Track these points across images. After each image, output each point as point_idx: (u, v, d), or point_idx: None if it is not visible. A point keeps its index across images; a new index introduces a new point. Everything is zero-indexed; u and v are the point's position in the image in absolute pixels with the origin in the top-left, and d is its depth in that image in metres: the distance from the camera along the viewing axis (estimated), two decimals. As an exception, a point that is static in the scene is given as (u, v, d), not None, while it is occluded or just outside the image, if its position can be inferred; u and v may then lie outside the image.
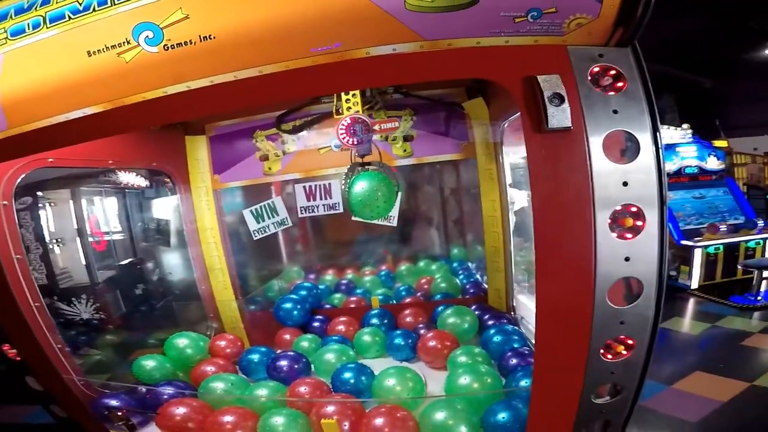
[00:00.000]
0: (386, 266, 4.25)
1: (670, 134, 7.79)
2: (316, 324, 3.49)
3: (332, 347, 2.94)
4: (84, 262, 3.27)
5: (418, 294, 3.78)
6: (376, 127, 2.66)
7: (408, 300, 3.70)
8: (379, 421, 2.07)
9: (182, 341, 3.06)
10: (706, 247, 6.84)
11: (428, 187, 4.08)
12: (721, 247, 6.89)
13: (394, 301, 3.72)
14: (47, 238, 3.03)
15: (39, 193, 2.99)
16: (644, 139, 1.43)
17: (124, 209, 3.67)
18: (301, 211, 3.43)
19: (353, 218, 3.12)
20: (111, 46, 1.47)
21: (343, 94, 2.65)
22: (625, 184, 1.44)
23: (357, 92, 2.64)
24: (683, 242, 6.85)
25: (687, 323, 5.90)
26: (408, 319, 3.33)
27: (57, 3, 1.51)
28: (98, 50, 1.49)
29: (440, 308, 3.26)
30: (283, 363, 2.82)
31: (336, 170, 3.33)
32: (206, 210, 3.52)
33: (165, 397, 2.54)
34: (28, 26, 1.54)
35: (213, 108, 1.92)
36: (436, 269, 4.09)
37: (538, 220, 1.48)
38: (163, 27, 1.42)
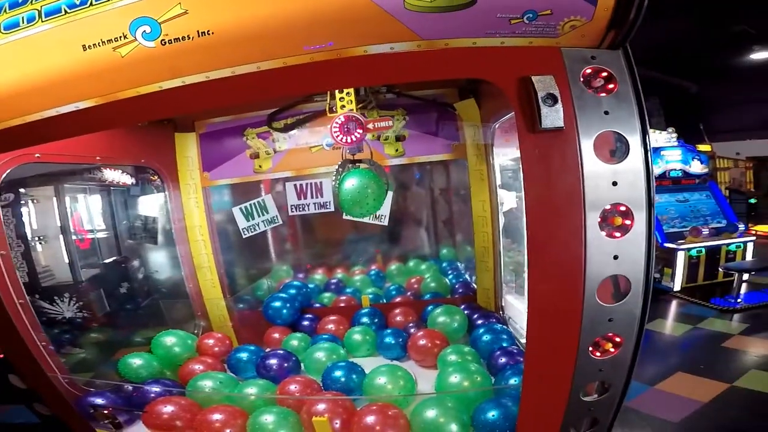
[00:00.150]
0: (376, 266, 4.26)
1: (655, 138, 7.90)
2: (305, 323, 3.48)
3: (322, 346, 2.94)
4: (67, 260, 3.22)
5: (408, 293, 3.80)
6: (370, 126, 2.67)
7: (398, 299, 3.71)
8: (370, 419, 2.08)
9: (170, 339, 3.03)
10: (689, 250, 6.97)
11: (418, 187, 4.10)
12: (704, 250, 7.02)
13: (384, 300, 3.73)
14: (29, 236, 2.99)
15: (21, 190, 2.95)
16: (634, 140, 1.46)
17: (109, 206, 3.63)
18: (292, 209, 3.44)
19: (344, 217, 3.14)
20: (107, 41, 1.46)
21: (337, 92, 2.66)
22: (614, 183, 1.48)
23: (351, 91, 2.65)
24: (667, 245, 6.97)
25: (669, 325, 6.00)
26: (398, 318, 3.35)
27: (55, -4, 1.50)
28: (93, 44, 1.48)
29: (430, 307, 3.29)
30: (273, 361, 2.81)
31: (327, 169, 3.33)
32: (195, 207, 3.49)
33: (152, 395, 2.52)
34: (22, 20, 1.51)
35: (208, 103, 1.91)
36: (425, 269, 4.11)
37: (530, 217, 1.51)
38: (162, 22, 1.41)
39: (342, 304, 3.71)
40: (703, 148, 9.51)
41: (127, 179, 3.48)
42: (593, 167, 1.46)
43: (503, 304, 3.36)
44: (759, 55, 10.88)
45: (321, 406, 2.18)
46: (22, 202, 2.97)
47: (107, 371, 3.00)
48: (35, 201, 3.13)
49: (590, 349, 1.63)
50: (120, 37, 1.45)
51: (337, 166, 2.70)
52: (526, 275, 2.91)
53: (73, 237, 3.28)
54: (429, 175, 4.08)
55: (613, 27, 1.38)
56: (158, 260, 3.73)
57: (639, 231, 1.50)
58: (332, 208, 3.41)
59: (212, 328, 3.57)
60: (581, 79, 1.45)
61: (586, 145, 1.45)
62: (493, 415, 2.06)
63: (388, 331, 3.10)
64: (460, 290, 3.68)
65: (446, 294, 3.68)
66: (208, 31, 1.40)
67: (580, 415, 1.79)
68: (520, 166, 2.75)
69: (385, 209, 3.12)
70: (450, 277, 3.94)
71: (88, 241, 3.50)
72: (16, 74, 1.60)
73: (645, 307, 1.59)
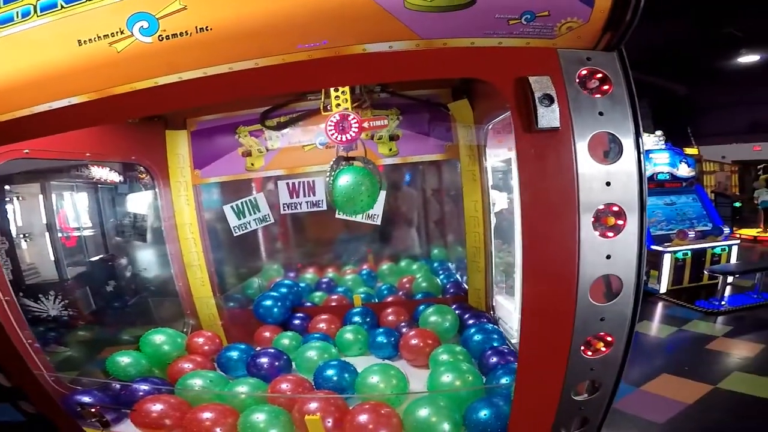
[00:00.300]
0: (368, 265, 4.26)
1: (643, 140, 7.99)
2: (296, 322, 3.47)
3: (314, 344, 2.93)
4: (53, 258, 3.18)
5: (400, 293, 3.81)
6: (365, 125, 2.67)
7: (390, 299, 3.72)
8: (363, 417, 2.08)
9: (158, 338, 3.00)
10: (675, 252, 7.08)
11: (411, 187, 4.11)
12: (689, 252, 7.14)
13: (376, 300, 3.73)
14: (14, 233, 2.95)
15: (6, 187, 2.91)
16: (627, 141, 1.48)
17: (96, 204, 3.59)
18: (284, 207, 3.43)
19: (336, 216, 3.14)
20: (103, 36, 1.45)
21: (332, 90, 2.66)
22: (608, 184, 1.50)
23: (347, 89, 2.65)
24: (653, 247, 7.06)
25: (655, 326, 6.08)
26: (390, 318, 3.35)
27: (50, -8, 1.49)
28: (89, 39, 1.46)
29: (422, 307, 3.30)
30: (264, 360, 2.79)
31: (320, 167, 3.32)
32: (185, 205, 3.46)
33: (140, 393, 2.49)
34: (17, 14, 1.50)
35: (205, 99, 1.90)
36: (417, 269, 4.12)
37: (525, 216, 1.53)
38: (159, 17, 1.40)
39: (333, 304, 3.70)
40: (691, 151, 9.64)
41: (115, 176, 3.44)
42: (587, 167, 1.47)
43: (494, 305, 3.38)
44: (746, 59, 11.06)
45: (313, 405, 2.17)
46: (7, 198, 2.93)
47: (93, 370, 2.96)
48: (21, 198, 3.09)
49: (582, 348, 1.64)
50: (116, 32, 1.44)
51: (331, 163, 2.70)
52: (516, 276, 2.94)
53: (60, 234, 3.24)
54: (421, 175, 4.09)
55: (609, 29, 1.40)
56: (147, 258, 3.70)
57: (631, 231, 1.52)
58: (324, 207, 3.40)
59: (201, 326, 3.54)
60: (577, 80, 1.46)
61: (581, 146, 1.46)
62: (484, 415, 2.07)
63: (380, 330, 3.11)
64: (452, 290, 3.70)
65: (437, 294, 3.69)
66: (207, 27, 1.39)
67: (571, 414, 1.80)
68: (512, 167, 2.82)
69: (378, 208, 3.13)
70: (441, 277, 3.95)
71: (74, 239, 3.46)
72: (9, 69, 1.58)
73: (636, 307, 1.61)
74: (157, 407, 2.32)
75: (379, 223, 3.24)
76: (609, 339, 1.65)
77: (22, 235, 3.06)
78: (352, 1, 1.34)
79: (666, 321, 6.19)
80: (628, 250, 1.54)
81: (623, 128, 1.48)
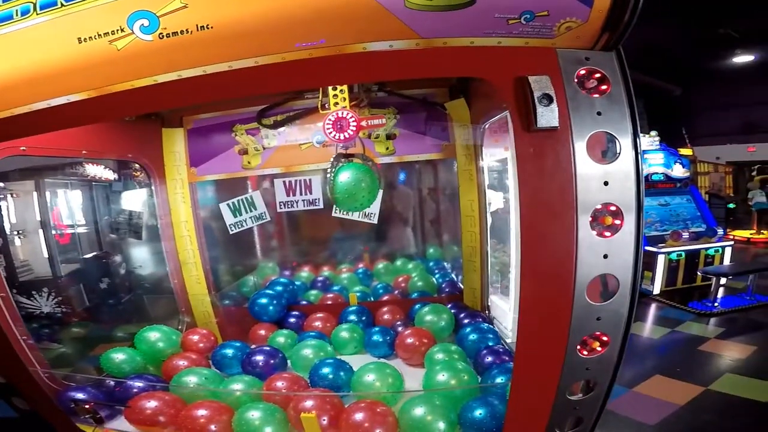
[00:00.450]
0: (363, 264, 4.26)
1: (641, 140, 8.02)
2: (292, 320, 3.46)
3: (310, 343, 2.93)
4: (46, 255, 3.17)
5: (396, 292, 3.81)
6: (363, 124, 2.67)
7: (385, 297, 3.72)
8: (359, 416, 2.08)
9: (153, 335, 3.00)
10: (669, 253, 7.11)
11: (407, 186, 4.11)
12: (683, 254, 7.18)
13: (372, 299, 3.73)
14: (8, 230, 2.93)
15: (1, 184, 2.89)
16: (625, 140, 1.49)
17: (91, 201, 3.58)
18: (280, 206, 3.42)
19: (333, 214, 3.14)
20: (103, 34, 1.45)
21: (330, 89, 2.65)
22: (605, 183, 1.50)
23: (345, 88, 2.65)
24: (647, 248, 7.09)
25: (648, 327, 6.12)
26: (386, 317, 3.35)
27: (50, -10, 1.48)
28: (89, 37, 1.46)
29: (417, 306, 3.31)
30: (259, 358, 2.79)
31: (317, 166, 3.32)
32: (181, 203, 3.44)
33: (135, 390, 2.48)
34: (16, 12, 1.50)
35: (205, 97, 1.90)
36: (412, 268, 4.12)
37: (523, 215, 1.53)
38: (160, 15, 1.40)
39: (329, 302, 3.70)
40: (685, 152, 9.67)
41: (110, 174, 3.43)
42: (585, 167, 1.48)
43: (489, 304, 3.39)
44: (741, 59, 11.10)
45: (309, 403, 2.17)
46: (1, 195, 2.91)
47: (85, 366, 2.95)
48: (15, 194, 3.07)
49: (578, 347, 1.65)
50: (117, 30, 1.44)
51: (331, 160, 2.70)
52: (511, 275, 2.95)
53: (54, 232, 3.23)
54: (418, 174, 4.10)
55: (608, 29, 1.41)
56: (142, 255, 3.69)
57: (628, 231, 1.53)
58: (321, 206, 3.40)
59: (196, 324, 3.52)
60: (575, 80, 1.47)
61: (579, 145, 1.47)
62: (479, 414, 2.08)
63: (376, 329, 3.11)
64: (447, 289, 3.71)
65: (433, 293, 3.69)
66: (207, 25, 1.39)
67: (566, 414, 1.80)
68: (508, 166, 2.83)
69: (375, 207, 3.13)
70: (437, 276, 3.96)
71: (68, 236, 3.44)
72: (8, 66, 1.57)
73: (632, 307, 1.62)
74: (152, 404, 2.33)
75: (375, 221, 3.25)
76: (605, 339, 1.66)
77: (15, 232, 3.04)
78: (352, 0, 1.34)
79: (659, 322, 6.22)
80: (625, 250, 1.55)
81: (621, 128, 1.49)
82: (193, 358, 2.87)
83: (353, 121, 2.57)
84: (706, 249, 7.31)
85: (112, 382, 2.61)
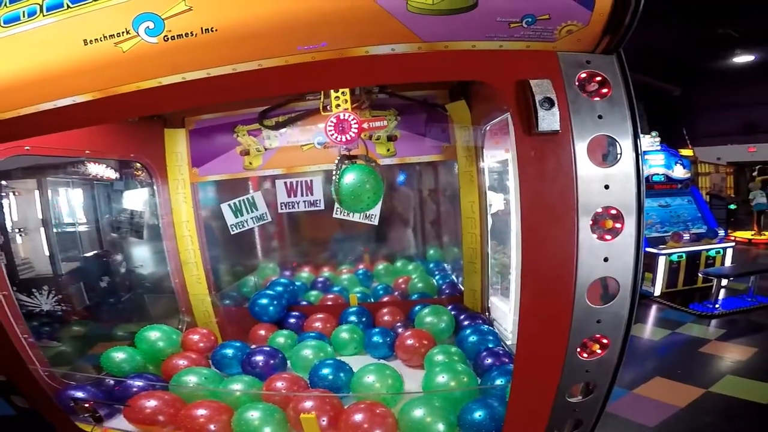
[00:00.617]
0: (364, 265, 4.27)
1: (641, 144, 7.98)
2: (292, 320, 3.47)
3: (310, 343, 2.94)
4: (47, 253, 3.18)
5: (396, 293, 3.81)
6: (365, 126, 2.68)
7: (385, 299, 3.72)
8: (358, 417, 2.09)
9: (154, 334, 3.01)
10: (670, 255, 7.09)
11: (408, 188, 4.11)
12: (684, 255, 7.16)
13: (372, 300, 3.74)
14: (9, 228, 2.94)
15: (3, 182, 2.90)
16: (626, 144, 1.49)
17: (92, 200, 3.59)
18: (281, 206, 3.44)
19: (334, 215, 3.14)
20: (109, 36, 1.46)
21: (332, 91, 2.66)
22: (606, 187, 1.50)
23: (347, 90, 2.66)
24: (648, 250, 7.07)
25: (649, 329, 6.10)
26: (386, 318, 3.36)
27: (57, -8, 1.49)
28: (95, 39, 1.47)
29: (417, 307, 3.31)
30: (259, 358, 2.80)
31: (318, 167, 3.34)
32: (183, 203, 3.46)
33: (134, 389, 2.49)
34: (23, 14, 1.50)
35: (208, 99, 1.91)
36: (412, 269, 4.13)
37: (524, 218, 1.53)
38: (165, 18, 1.41)
39: (329, 303, 3.71)
40: (686, 152, 9.62)
41: (112, 173, 3.44)
42: (586, 170, 1.48)
43: (489, 306, 3.39)
44: (741, 59, 11.05)
45: (308, 404, 2.18)
46: (4, 194, 2.92)
47: (84, 365, 2.96)
48: (17, 193, 3.08)
49: (578, 349, 1.65)
50: (122, 32, 1.44)
51: (336, 161, 2.71)
52: (512, 277, 2.95)
53: (55, 230, 3.24)
54: (418, 176, 4.10)
55: (608, 32, 1.41)
56: (143, 255, 3.69)
57: (629, 234, 1.53)
58: (322, 207, 3.41)
59: (197, 323, 3.53)
60: (576, 83, 1.47)
61: (580, 149, 1.47)
62: (479, 415, 2.08)
63: (376, 330, 3.12)
64: (447, 291, 3.71)
65: (433, 294, 3.70)
66: (212, 28, 1.40)
67: (565, 416, 1.81)
68: (509, 168, 2.83)
69: (376, 209, 3.13)
70: (437, 277, 3.96)
71: (69, 235, 3.45)
72: (15, 67, 1.58)
73: (632, 310, 1.62)
74: (151, 403, 2.33)
75: (376, 223, 3.25)
76: (605, 341, 1.66)
77: (17, 230, 3.05)
78: (354, 3, 1.34)
79: (659, 324, 6.21)
80: (625, 253, 1.55)
81: (622, 131, 1.49)
82: (193, 357, 2.88)
83: (355, 123, 2.58)
84: (707, 250, 7.29)
85: (111, 381, 2.62)
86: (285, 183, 3.42)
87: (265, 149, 3.40)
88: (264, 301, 3.44)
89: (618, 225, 1.52)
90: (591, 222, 1.51)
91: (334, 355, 2.92)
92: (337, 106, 2.67)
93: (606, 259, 1.54)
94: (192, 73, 1.55)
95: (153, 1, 1.42)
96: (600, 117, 1.48)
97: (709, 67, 11.67)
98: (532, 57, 1.47)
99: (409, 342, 2.87)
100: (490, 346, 2.72)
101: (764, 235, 11.51)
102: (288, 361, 2.90)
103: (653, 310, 6.77)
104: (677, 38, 9.49)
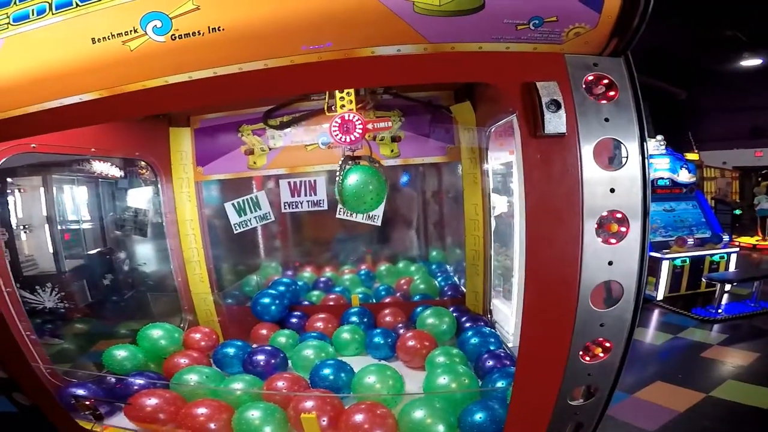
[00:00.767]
0: (366, 266, 4.27)
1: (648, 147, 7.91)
2: (293, 320, 3.47)
3: (311, 343, 2.93)
4: (51, 250, 3.19)
5: (398, 294, 3.81)
6: (369, 126, 2.68)
7: (387, 300, 3.72)
8: (358, 417, 2.09)
9: (156, 332, 3.01)
10: (674, 259, 7.07)
11: (411, 189, 4.11)
12: (688, 260, 7.12)
13: (374, 300, 3.74)
14: (14, 225, 2.95)
15: (9, 180, 2.90)
16: (632, 147, 1.48)
17: (96, 198, 3.59)
18: (285, 206, 3.44)
19: (337, 216, 3.14)
20: (117, 34, 1.46)
21: (337, 91, 2.66)
22: (612, 190, 1.50)
23: (351, 91, 2.66)
24: (651, 254, 7.04)
25: (650, 333, 6.08)
26: (387, 319, 3.36)
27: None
28: (103, 38, 1.47)
29: (419, 309, 3.30)
30: (260, 357, 2.80)
31: (322, 167, 3.34)
32: (187, 201, 3.47)
33: (135, 387, 2.50)
34: (32, 12, 1.51)
35: (215, 99, 1.91)
36: (414, 270, 4.12)
37: (529, 221, 1.53)
38: (173, 17, 1.41)
39: (331, 303, 3.71)
40: (691, 156, 9.55)
41: (116, 171, 3.44)
42: (592, 173, 1.47)
43: (491, 308, 3.39)
44: (749, 62, 10.97)
45: (309, 404, 2.18)
46: (9, 191, 2.93)
47: (86, 362, 2.96)
48: (22, 190, 3.09)
49: (580, 353, 1.65)
50: (130, 31, 1.45)
51: (340, 162, 2.71)
52: (514, 280, 2.94)
53: (59, 227, 3.24)
54: (422, 177, 4.09)
55: (616, 35, 1.40)
56: (146, 253, 3.70)
57: (633, 238, 1.52)
58: (325, 207, 3.41)
59: (198, 322, 3.54)
60: (583, 86, 1.46)
61: (586, 152, 1.46)
62: (479, 417, 2.08)
63: (377, 330, 3.11)
64: (449, 293, 3.71)
65: (435, 296, 3.69)
66: (219, 27, 1.40)
67: (566, 419, 1.80)
68: (513, 170, 2.82)
69: (379, 209, 3.13)
70: (439, 279, 3.96)
71: (74, 232, 3.46)
72: (23, 66, 1.59)
73: (636, 314, 1.61)
74: (152, 401, 2.33)
75: (379, 223, 3.25)
76: (607, 345, 1.65)
77: (21, 227, 3.06)
78: (360, 4, 1.34)
79: (661, 328, 6.19)
80: (630, 257, 1.54)
81: (628, 135, 1.48)
82: (194, 356, 2.88)
83: (359, 124, 2.58)
84: (711, 255, 7.25)
85: (113, 379, 2.62)
86: (289, 183, 3.42)
87: (270, 149, 3.40)
88: (266, 300, 3.44)
89: (623, 229, 1.52)
90: (596, 225, 1.50)
91: (335, 356, 2.92)
92: (342, 106, 2.67)
93: (610, 263, 1.53)
94: (198, 72, 1.55)
95: (161, 0, 1.42)
96: (606, 120, 1.47)
97: (715, 70, 11.60)
98: (539, 59, 1.47)
99: (411, 343, 2.86)
100: (492, 348, 2.72)
101: (769, 240, 11.47)
102: (289, 361, 2.90)
103: (655, 314, 6.75)
104: (684, 40, 9.44)
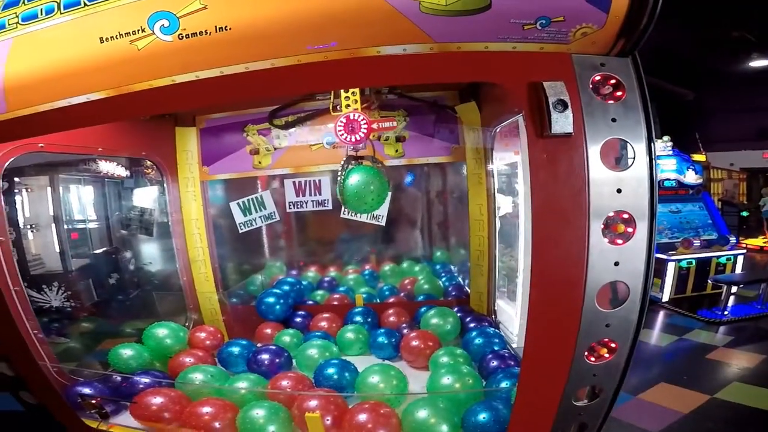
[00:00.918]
0: (370, 266, 4.27)
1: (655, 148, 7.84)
2: (298, 320, 3.47)
3: (315, 343, 2.93)
4: (58, 250, 3.20)
5: (401, 294, 3.81)
6: (374, 126, 2.68)
7: (391, 300, 3.72)
8: (362, 416, 2.08)
9: (161, 331, 3.02)
10: (680, 261, 7.02)
11: (415, 189, 4.11)
12: (694, 261, 7.08)
13: (378, 300, 3.74)
14: (22, 224, 2.96)
15: (16, 179, 2.92)
16: (639, 148, 1.48)
17: (103, 198, 3.60)
18: (290, 206, 3.45)
19: (341, 216, 3.15)
20: (124, 34, 1.47)
21: (342, 91, 2.66)
22: (618, 191, 1.49)
23: (357, 90, 2.66)
24: (657, 255, 6.98)
25: (656, 335, 6.05)
26: (391, 319, 3.36)
27: (75, -11, 1.51)
28: (111, 37, 1.49)
29: (423, 309, 3.30)
30: (265, 356, 2.80)
31: (327, 167, 3.34)
32: (192, 201, 3.48)
33: (141, 386, 2.51)
34: (41, 11, 1.53)
35: (221, 98, 1.92)
36: (419, 271, 4.12)
37: (535, 221, 1.52)
38: (180, 16, 1.42)
39: (335, 303, 3.71)
40: (698, 158, 9.46)
41: (122, 171, 3.45)
42: (599, 174, 1.47)
43: (495, 309, 3.38)
44: (758, 63, 10.87)
45: (313, 403, 2.18)
46: (16, 190, 2.94)
47: (91, 361, 2.97)
48: (29, 190, 3.11)
49: (586, 353, 1.64)
50: (138, 30, 1.46)
51: (342, 162, 2.72)
52: (519, 280, 2.93)
53: (65, 227, 3.26)
54: (426, 177, 4.09)
55: (624, 35, 1.40)
56: (152, 252, 3.71)
57: (640, 238, 1.52)
58: (330, 207, 3.41)
59: (203, 321, 3.55)
60: (590, 86, 1.46)
61: (593, 152, 1.46)
62: (483, 418, 2.07)
63: (381, 330, 3.11)
64: (453, 293, 3.70)
65: (439, 296, 3.69)
66: (226, 26, 1.41)
67: (570, 419, 1.80)
68: (518, 170, 2.82)
69: (383, 209, 3.13)
70: (443, 279, 3.95)
71: (80, 232, 3.47)
72: (31, 65, 1.60)
73: (642, 315, 1.61)
74: (157, 400, 2.34)
75: (383, 223, 3.25)
76: (613, 345, 1.65)
77: (29, 226, 3.07)
78: (366, 3, 1.34)
79: (667, 330, 6.15)
80: (636, 258, 1.54)
81: (635, 135, 1.48)
82: (199, 355, 2.89)
83: (364, 124, 2.58)
84: (718, 257, 7.20)
85: (118, 378, 2.63)
86: (293, 182, 3.43)
87: (275, 149, 3.41)
88: (270, 299, 3.45)
89: (630, 229, 1.51)
90: (602, 226, 1.50)
91: (339, 355, 2.92)
92: (347, 106, 2.67)
93: (617, 263, 1.53)
94: (205, 71, 1.56)
95: (168, 0, 1.43)
96: (614, 120, 1.47)
97: (723, 71, 11.51)
98: (545, 59, 1.46)
99: (414, 343, 2.86)
100: (496, 348, 2.71)
101: (776, 242, 11.38)
102: (293, 360, 2.90)
103: (661, 315, 6.72)
104: (691, 41, 9.37)
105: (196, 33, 1.43)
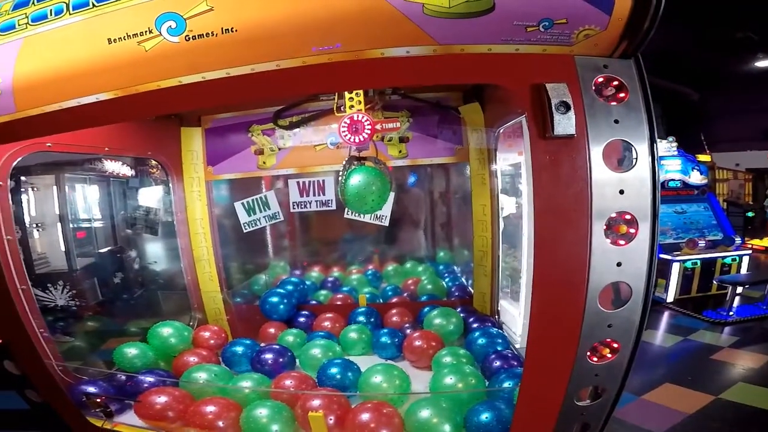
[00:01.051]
0: (373, 266, 4.28)
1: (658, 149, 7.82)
2: (301, 319, 3.49)
3: (318, 342, 2.95)
4: (63, 248, 3.23)
5: (405, 294, 3.82)
6: (378, 127, 2.69)
7: (394, 300, 3.73)
8: (365, 416, 2.09)
9: (166, 330, 3.04)
10: (684, 261, 6.99)
11: (419, 189, 4.11)
12: (699, 262, 7.03)
13: (381, 300, 3.74)
14: (28, 222, 2.98)
15: (23, 178, 2.94)
16: (642, 149, 1.48)
17: (108, 197, 3.63)
18: (294, 206, 3.46)
19: (345, 216, 3.16)
20: (132, 35, 1.49)
21: (346, 92, 2.67)
22: (621, 192, 1.50)
23: (360, 91, 2.67)
24: (662, 256, 6.96)
25: (660, 335, 6.02)
26: (394, 319, 3.37)
27: (84, -10, 1.53)
28: (119, 38, 1.50)
29: (426, 309, 3.31)
30: (268, 356, 2.82)
31: (331, 167, 3.35)
32: (197, 200, 3.50)
33: (145, 385, 2.52)
34: (50, 12, 1.55)
35: (227, 99, 1.93)
36: (422, 271, 4.12)
37: (538, 222, 1.53)
38: (187, 18, 1.43)
39: (338, 303, 3.73)
40: (703, 158, 9.40)
41: (127, 171, 3.48)
42: (601, 175, 1.47)
43: (498, 309, 3.38)
44: (763, 63, 10.81)
45: (316, 402, 2.19)
46: (23, 189, 2.97)
47: (95, 360, 2.99)
48: (35, 189, 3.13)
49: (588, 353, 1.65)
50: (145, 31, 1.47)
51: (344, 162, 2.72)
52: (522, 281, 2.94)
53: (71, 225, 3.28)
54: (429, 178, 4.10)
55: (627, 37, 1.40)
56: (157, 251, 3.74)
57: (642, 239, 1.52)
58: (334, 207, 3.43)
59: (207, 321, 3.56)
60: (593, 88, 1.46)
61: (596, 153, 1.46)
62: (486, 417, 2.08)
63: (384, 330, 3.12)
64: (456, 293, 3.71)
65: (442, 296, 3.69)
66: (232, 28, 1.42)
67: (573, 419, 1.80)
68: (521, 171, 2.82)
69: (386, 210, 3.14)
70: (446, 280, 3.96)
71: (86, 231, 3.50)
72: (40, 65, 1.62)
73: (644, 315, 1.61)
74: (161, 399, 2.35)
75: (386, 224, 3.26)
76: (615, 346, 1.65)
77: (34, 225, 3.10)
78: (370, 5, 1.35)
79: (671, 330, 6.13)
80: (638, 259, 1.54)
81: (638, 137, 1.48)
82: (203, 354, 2.91)
83: (368, 124, 2.59)
84: (723, 258, 7.16)
85: (123, 377, 2.65)
86: (298, 183, 3.44)
87: (279, 149, 3.42)
88: (274, 299, 3.46)
89: (632, 230, 1.51)
90: (605, 227, 1.50)
91: (342, 355, 2.93)
92: (351, 107, 2.68)
93: (619, 264, 1.53)
94: (212, 72, 1.57)
95: (175, 1, 1.44)
96: (616, 121, 1.47)
97: (728, 71, 11.43)
98: (548, 61, 1.47)
99: (417, 343, 2.87)
100: (499, 348, 2.72)
101: (781, 242, 11.30)
102: (297, 360, 2.92)
103: (665, 316, 6.69)
104: (695, 42, 9.32)
105: (202, 34, 1.44)
